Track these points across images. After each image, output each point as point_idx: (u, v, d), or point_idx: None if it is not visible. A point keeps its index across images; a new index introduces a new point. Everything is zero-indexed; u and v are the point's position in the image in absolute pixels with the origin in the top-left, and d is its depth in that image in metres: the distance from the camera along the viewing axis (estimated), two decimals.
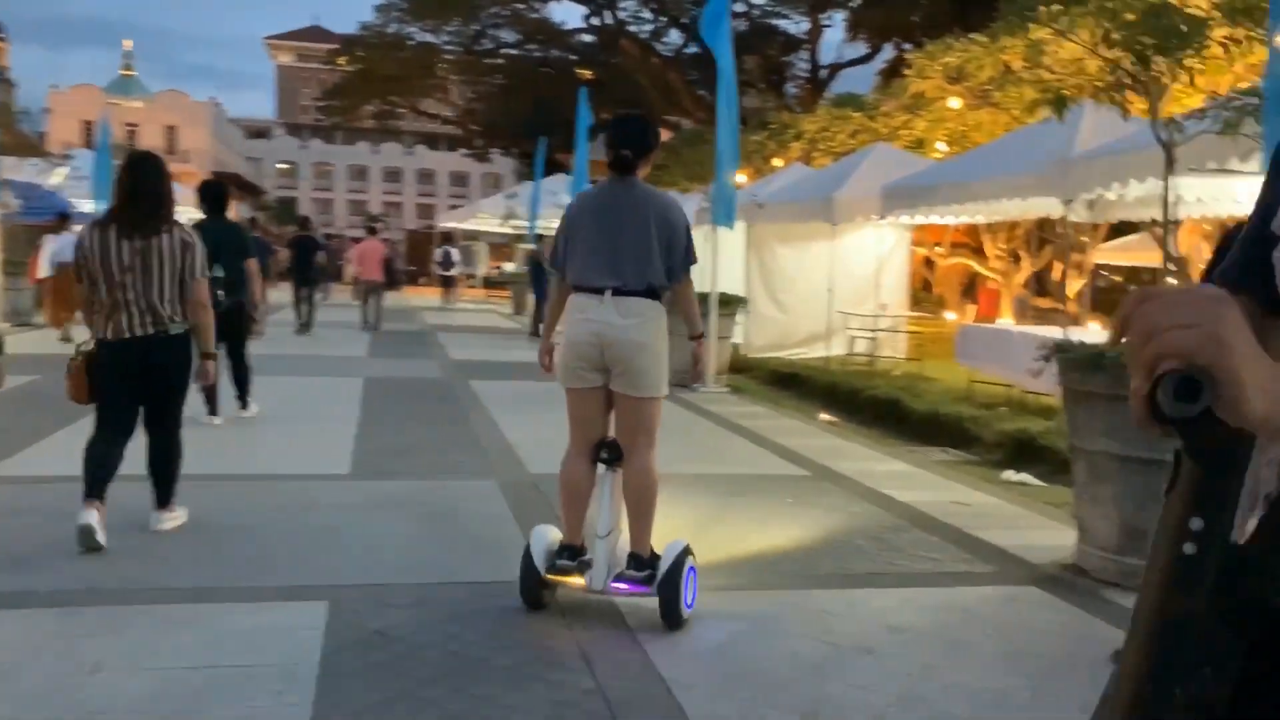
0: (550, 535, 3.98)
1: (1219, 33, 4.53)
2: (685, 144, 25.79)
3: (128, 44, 30.61)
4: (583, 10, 41.54)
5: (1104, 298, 22.61)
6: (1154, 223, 12.10)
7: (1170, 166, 4.45)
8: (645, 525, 3.95)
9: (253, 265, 7.70)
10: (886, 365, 12.49)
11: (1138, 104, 5.06)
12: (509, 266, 33.59)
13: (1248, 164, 5.91)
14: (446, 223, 32.63)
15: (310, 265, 16.49)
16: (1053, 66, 13.59)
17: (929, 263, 20.23)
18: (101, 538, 4.40)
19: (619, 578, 3.87)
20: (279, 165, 77.74)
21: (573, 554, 3.94)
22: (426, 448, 7.28)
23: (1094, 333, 9.80)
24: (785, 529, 5.30)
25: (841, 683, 3.36)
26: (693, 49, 41.66)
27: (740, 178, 13.51)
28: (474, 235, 34.43)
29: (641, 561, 3.89)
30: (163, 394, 4.78)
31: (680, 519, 5.42)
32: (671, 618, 3.77)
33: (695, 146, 24.26)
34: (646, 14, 42.02)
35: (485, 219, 28.38)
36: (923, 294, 21.57)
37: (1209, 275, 3.58)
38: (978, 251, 22.00)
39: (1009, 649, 3.72)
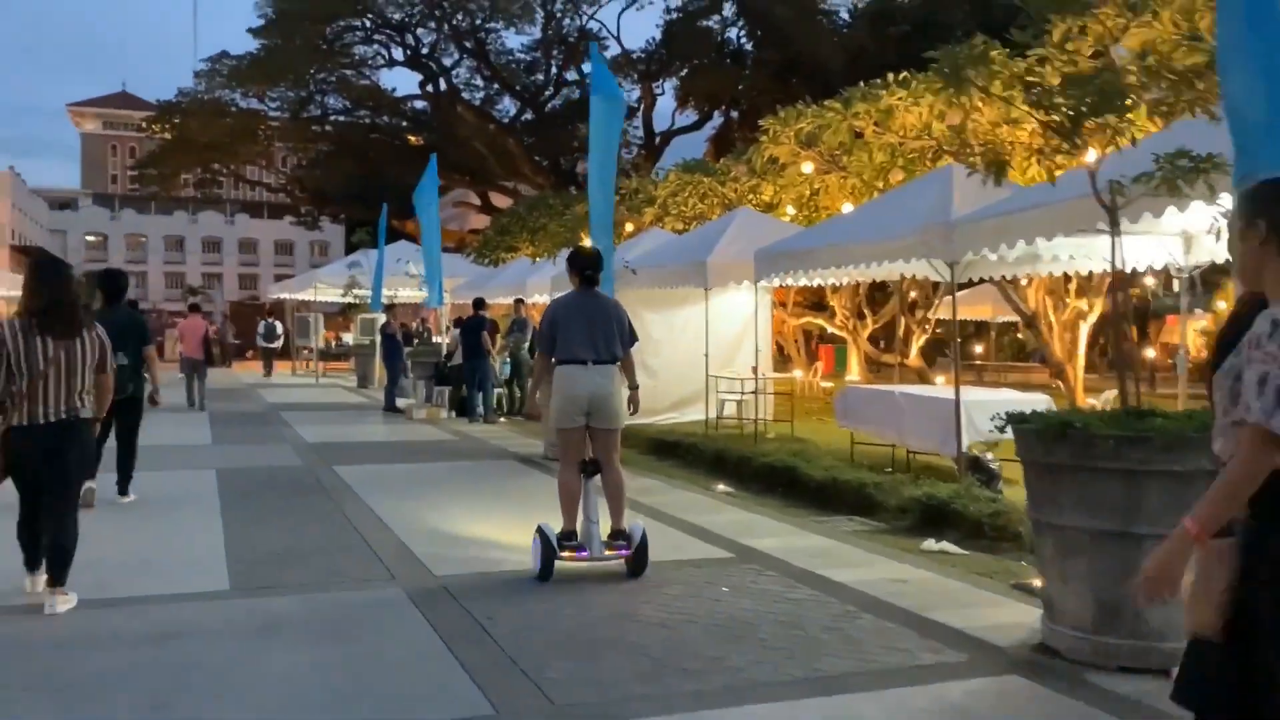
0: (553, 527, 5.82)
1: (1150, 96, 4.53)
2: (530, 210, 25.40)
3: None
4: (416, 76, 41.09)
5: (944, 351, 23.39)
6: (1008, 279, 12.53)
7: (1115, 227, 4.38)
8: (622, 510, 6.00)
9: (151, 352, 8.21)
10: (760, 429, 12.34)
11: (1061, 162, 5.03)
12: (348, 337, 32.25)
13: (1145, 222, 6.02)
14: (280, 293, 31.08)
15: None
16: (899, 131, 14.06)
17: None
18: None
19: (607, 547, 5.82)
20: (88, 237, 73.20)
21: (572, 536, 5.86)
22: (309, 551, 6.55)
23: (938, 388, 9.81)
24: (738, 627, 4.90)
25: None
26: (529, 116, 41.77)
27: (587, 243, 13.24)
28: (304, 305, 32.96)
29: (621, 534, 5.90)
30: (64, 475, 5.11)
31: (617, 631, 4.97)
32: (639, 569, 5.78)
33: (540, 212, 23.93)
34: (478, 81, 41.90)
35: (324, 288, 27.16)
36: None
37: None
38: (815, 308, 22.44)
39: None
